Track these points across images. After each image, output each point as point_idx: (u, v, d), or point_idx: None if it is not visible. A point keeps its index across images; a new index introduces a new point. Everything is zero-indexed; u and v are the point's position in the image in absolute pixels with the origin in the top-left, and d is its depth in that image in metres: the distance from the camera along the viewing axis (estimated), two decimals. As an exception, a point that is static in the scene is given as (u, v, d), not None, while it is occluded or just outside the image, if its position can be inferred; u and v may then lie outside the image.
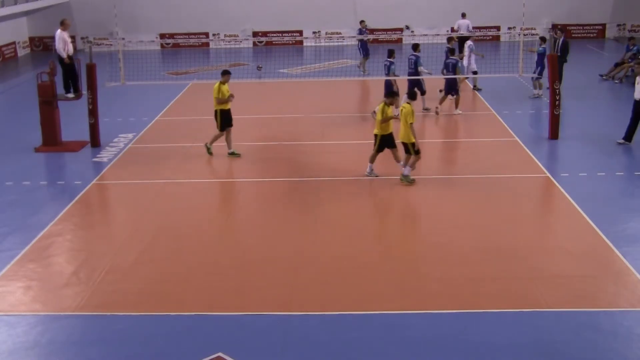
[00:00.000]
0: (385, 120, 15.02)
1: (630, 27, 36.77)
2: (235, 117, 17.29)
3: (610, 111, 21.39)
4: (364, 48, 27.70)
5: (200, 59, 33.14)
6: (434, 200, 14.46)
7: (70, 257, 12.06)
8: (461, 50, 24.10)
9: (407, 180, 14.88)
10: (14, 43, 35.43)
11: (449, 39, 23.09)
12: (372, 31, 31.01)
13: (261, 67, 27.82)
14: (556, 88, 18.11)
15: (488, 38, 36.48)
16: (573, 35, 36.02)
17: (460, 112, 21.16)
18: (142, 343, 9.29)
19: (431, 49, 23.36)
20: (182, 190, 15.34)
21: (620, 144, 17.50)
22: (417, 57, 20.93)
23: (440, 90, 21.73)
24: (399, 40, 34.29)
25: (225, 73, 17.03)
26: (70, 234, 13.15)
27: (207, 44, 37.40)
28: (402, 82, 21.04)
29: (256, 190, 15.51)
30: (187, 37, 36.94)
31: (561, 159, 17.24)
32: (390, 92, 15.78)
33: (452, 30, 30.52)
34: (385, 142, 15.23)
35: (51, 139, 18.32)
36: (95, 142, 18.48)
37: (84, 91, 18.99)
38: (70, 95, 18.91)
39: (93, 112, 18.36)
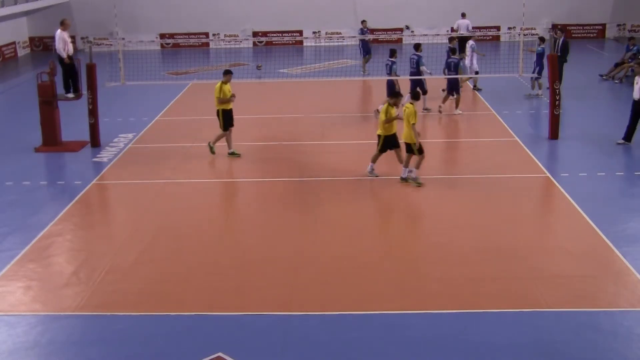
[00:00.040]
0: (389, 120, 15.00)
1: (630, 27, 36.78)
2: (235, 117, 17.28)
3: (610, 111, 21.40)
4: (365, 48, 27.69)
5: (200, 59, 33.14)
6: (434, 200, 14.45)
7: (70, 257, 12.06)
8: (462, 50, 24.10)
9: (417, 183, 14.83)
10: (14, 43, 35.44)
11: (451, 39, 23.11)
12: (372, 31, 31.00)
13: (261, 67, 27.83)
14: (556, 88, 18.11)
15: (488, 38, 36.47)
16: (573, 35, 36.02)
17: (461, 112, 21.16)
18: (142, 343, 9.29)
19: (431, 49, 23.34)
20: (182, 190, 15.34)
21: (620, 144, 17.51)
22: (419, 57, 20.93)
23: (443, 90, 21.73)
24: (399, 40, 34.29)
25: (227, 73, 17.00)
26: (70, 234, 13.15)
27: (207, 44, 37.40)
28: (403, 82, 21.04)
29: (256, 190, 15.51)
30: (187, 37, 36.94)
31: (561, 159, 17.24)
32: (394, 93, 15.73)
33: (452, 30, 30.51)
34: (388, 142, 15.20)
35: (51, 139, 18.32)
36: (95, 142, 18.48)
37: (84, 91, 19.00)
38: (70, 95, 18.90)
39: (93, 112, 18.36)
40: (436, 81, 22.83)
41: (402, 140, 15.13)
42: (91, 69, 18.35)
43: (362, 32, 28.26)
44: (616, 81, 25.39)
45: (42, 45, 36.98)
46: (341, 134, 19.43)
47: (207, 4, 36.70)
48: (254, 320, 9.74)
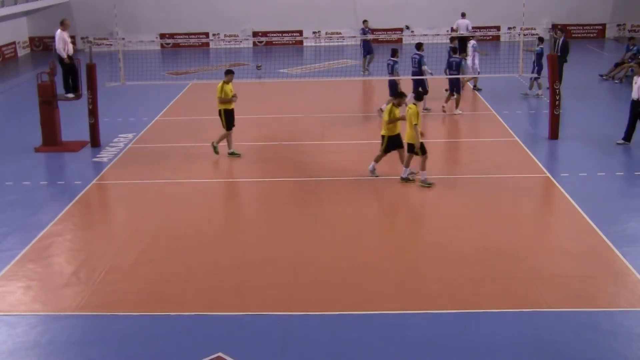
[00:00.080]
0: (392, 121, 14.99)
1: (630, 27, 36.78)
2: (235, 117, 17.26)
3: (610, 111, 21.40)
4: (367, 48, 27.64)
5: (200, 59, 33.14)
6: (434, 200, 14.45)
7: (70, 257, 12.06)
8: (462, 50, 24.11)
9: (426, 184, 14.78)
10: (14, 43, 35.44)
11: (452, 39, 23.14)
12: (372, 31, 31.00)
13: (261, 67, 27.84)
14: (556, 88, 18.11)
15: (488, 38, 36.46)
16: (573, 35, 36.03)
17: (461, 112, 21.16)
18: (142, 343, 9.29)
19: (431, 49, 23.33)
20: (182, 190, 15.34)
21: (620, 144, 17.51)
22: (421, 56, 20.94)
23: (446, 90, 21.73)
24: (399, 40, 34.29)
25: (229, 72, 16.98)
26: (70, 234, 13.15)
27: (207, 44, 37.41)
28: (405, 82, 21.04)
29: (256, 190, 15.52)
30: (187, 37, 36.94)
31: (561, 159, 17.24)
32: (399, 93, 15.67)
33: (452, 30, 30.53)
34: (392, 142, 15.17)
35: (51, 139, 18.32)
36: (95, 142, 18.48)
37: (83, 91, 18.98)
38: (70, 95, 18.90)
39: (93, 112, 18.36)
40: (438, 81, 22.84)
41: (405, 141, 15.10)
42: (91, 69, 18.35)
43: (364, 32, 28.23)
44: (616, 81, 25.39)
45: (42, 45, 36.98)
46: (341, 134, 19.43)
47: (207, 4, 36.70)
48: (254, 320, 9.74)
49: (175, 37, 37.01)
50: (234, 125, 17.14)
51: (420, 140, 14.69)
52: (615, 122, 18.86)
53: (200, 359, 8.83)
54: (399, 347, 9.03)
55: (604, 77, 26.05)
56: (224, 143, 17.29)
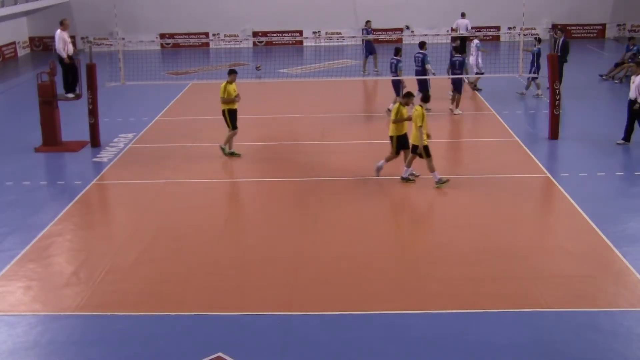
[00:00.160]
0: (398, 120, 14.97)
1: (630, 27, 36.77)
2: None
3: (610, 111, 21.39)
4: (369, 48, 27.57)
5: (200, 59, 33.14)
6: (434, 200, 14.46)
7: (70, 257, 12.06)
8: (463, 50, 24.12)
9: (441, 183, 14.69)
10: (14, 43, 35.44)
11: (455, 38, 23.14)
12: (374, 31, 30.98)
13: (260, 67, 27.86)
14: (556, 88, 18.11)
15: (488, 38, 36.42)
16: (573, 35, 36.02)
17: (461, 112, 21.16)
18: (142, 343, 9.29)
19: (431, 48, 23.28)
20: (182, 190, 15.34)
21: (619, 144, 17.51)
22: (424, 55, 20.95)
23: (452, 91, 21.70)
24: (399, 40, 34.24)
25: (232, 72, 16.95)
26: (70, 234, 13.15)
27: (207, 44, 37.40)
28: (409, 81, 21.05)
29: (256, 190, 15.52)
30: (187, 37, 36.94)
31: (561, 159, 17.24)
32: (407, 93, 15.61)
33: (452, 30, 30.54)
34: (401, 142, 15.14)
35: (51, 139, 18.32)
36: (95, 142, 18.48)
37: (79, 91, 18.96)
38: (70, 95, 18.89)
39: (93, 112, 18.36)
40: (440, 81, 22.85)
41: (410, 141, 15.07)
42: (91, 69, 18.34)
43: (367, 32, 28.19)
44: (616, 81, 25.40)
45: (42, 45, 36.98)
46: (341, 134, 19.42)
47: (207, 4, 36.70)
48: (254, 320, 9.74)
49: (175, 37, 37.01)
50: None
51: (425, 143, 14.61)
52: (615, 122, 18.86)
53: (200, 359, 8.83)
54: (399, 347, 9.04)
55: (604, 77, 26.06)
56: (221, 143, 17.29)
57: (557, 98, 17.99)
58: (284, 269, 11.27)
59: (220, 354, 8.92)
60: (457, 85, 21.25)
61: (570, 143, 17.94)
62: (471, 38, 24.94)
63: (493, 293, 10.38)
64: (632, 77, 17.52)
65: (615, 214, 13.29)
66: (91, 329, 9.71)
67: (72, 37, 21.77)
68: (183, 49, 36.47)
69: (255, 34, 36.87)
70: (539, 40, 22.73)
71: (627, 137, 17.55)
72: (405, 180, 15.07)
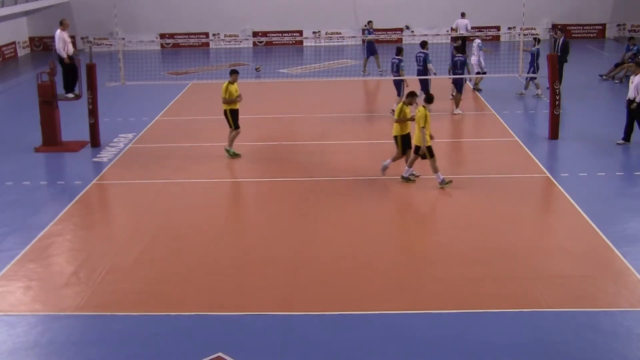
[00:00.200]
0: (400, 120, 14.96)
1: (630, 27, 36.77)
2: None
3: (610, 111, 21.38)
4: (370, 48, 27.54)
5: (200, 59, 33.15)
6: (434, 200, 14.46)
7: (70, 257, 12.06)
8: (463, 50, 24.13)
9: (444, 184, 14.67)
10: (14, 43, 35.43)
11: (456, 38, 23.14)
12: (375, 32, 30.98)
13: (260, 69, 27.86)
14: (556, 88, 18.11)
15: (488, 38, 36.43)
16: (573, 35, 36.02)
17: (461, 111, 21.16)
18: (142, 343, 9.29)
19: (431, 49, 23.26)
20: (182, 190, 15.34)
21: (619, 144, 17.51)
22: (426, 55, 20.95)
23: (457, 93, 21.69)
24: (399, 40, 34.25)
25: (233, 72, 16.93)
26: (70, 234, 13.15)
27: (207, 44, 37.40)
28: (411, 81, 21.04)
29: (256, 190, 15.52)
30: (187, 37, 36.94)
31: (561, 159, 17.24)
32: (410, 92, 15.61)
33: (452, 30, 30.55)
34: (405, 142, 15.14)
35: (51, 139, 18.32)
36: (95, 142, 18.48)
37: (78, 91, 18.95)
38: (70, 95, 18.89)
39: (93, 112, 18.36)
40: (441, 81, 22.85)
41: (412, 141, 15.07)
42: (91, 69, 18.34)
43: (370, 32, 28.16)
44: (616, 81, 25.40)
45: (42, 45, 36.97)
46: (341, 134, 19.41)
47: (207, 4, 36.69)
48: (254, 320, 9.74)
49: (175, 37, 37.01)
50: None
51: (429, 144, 14.60)
52: (615, 122, 18.85)
53: (200, 359, 8.83)
54: (399, 347, 9.03)
55: (604, 77, 26.06)
56: (222, 143, 17.26)
57: (557, 98, 17.99)
58: (284, 269, 11.27)
59: (220, 354, 8.92)
60: (458, 85, 21.26)
61: (570, 143, 17.94)
62: (471, 38, 24.93)
63: (493, 293, 10.38)
64: (631, 77, 17.55)
65: (615, 214, 13.29)
66: (91, 329, 9.71)
67: (72, 37, 21.76)
68: (183, 49, 36.47)
69: (255, 34, 36.87)
70: (538, 41, 22.73)
71: (627, 137, 17.56)
72: (406, 179, 15.07)
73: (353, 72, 28.14)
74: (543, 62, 20.80)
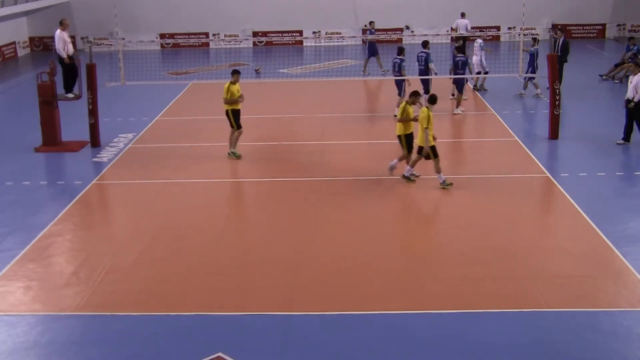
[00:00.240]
0: (403, 120, 14.95)
1: (630, 27, 36.77)
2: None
3: (610, 111, 21.37)
4: (371, 49, 27.50)
5: (200, 59, 33.15)
6: (434, 200, 14.45)
7: (70, 257, 12.06)
8: (464, 50, 24.12)
9: (445, 185, 14.69)
10: (14, 43, 35.43)
11: (457, 38, 23.13)
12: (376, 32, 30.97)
13: (259, 70, 27.86)
14: (556, 88, 18.11)
15: (488, 38, 36.42)
16: (573, 35, 36.03)
17: (461, 111, 21.16)
18: (142, 343, 9.29)
19: (431, 48, 23.28)
20: (182, 190, 15.34)
21: (619, 144, 17.52)
22: (428, 54, 20.95)
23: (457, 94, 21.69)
24: (399, 40, 34.24)
25: (235, 73, 16.91)
26: (70, 234, 13.15)
27: (207, 44, 37.40)
28: (413, 80, 21.04)
29: (256, 190, 15.52)
30: (187, 37, 36.94)
31: (561, 159, 17.24)
32: (413, 92, 15.60)
33: (452, 30, 30.55)
34: (409, 140, 15.14)
35: (51, 139, 18.32)
36: (95, 142, 18.48)
37: (77, 91, 18.95)
38: (70, 95, 18.89)
39: (93, 112, 18.36)
40: (442, 81, 22.85)
41: (416, 142, 15.06)
42: (91, 69, 18.34)
43: (371, 32, 28.12)
44: (616, 81, 25.40)
45: (42, 45, 36.98)
46: (341, 134, 19.41)
47: (207, 4, 36.70)
48: (254, 320, 9.74)
49: (175, 37, 37.01)
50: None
51: (432, 144, 14.59)
52: (615, 122, 18.86)
53: (200, 359, 8.83)
54: (399, 347, 9.04)
55: (604, 77, 26.06)
56: (222, 143, 17.25)
57: (557, 98, 17.99)
58: (284, 269, 11.27)
59: (220, 354, 8.92)
60: (459, 86, 21.26)
61: (570, 143, 17.94)
62: (472, 38, 24.92)
63: (493, 293, 10.38)
64: (630, 77, 17.56)
65: (615, 214, 13.29)
66: (91, 329, 9.71)
67: (72, 37, 21.76)
68: (183, 49, 36.48)
69: (255, 34, 36.87)
70: (537, 41, 22.73)
71: (626, 137, 17.57)
72: (407, 178, 15.07)
73: (353, 72, 28.14)
74: (543, 62, 20.81)
